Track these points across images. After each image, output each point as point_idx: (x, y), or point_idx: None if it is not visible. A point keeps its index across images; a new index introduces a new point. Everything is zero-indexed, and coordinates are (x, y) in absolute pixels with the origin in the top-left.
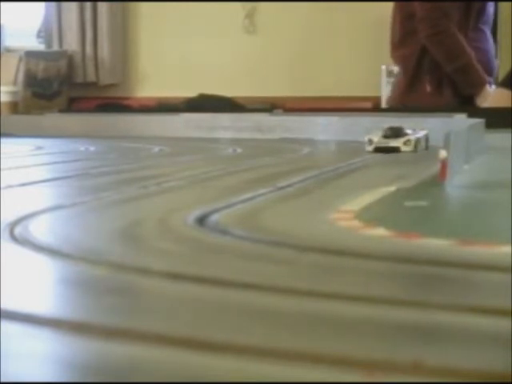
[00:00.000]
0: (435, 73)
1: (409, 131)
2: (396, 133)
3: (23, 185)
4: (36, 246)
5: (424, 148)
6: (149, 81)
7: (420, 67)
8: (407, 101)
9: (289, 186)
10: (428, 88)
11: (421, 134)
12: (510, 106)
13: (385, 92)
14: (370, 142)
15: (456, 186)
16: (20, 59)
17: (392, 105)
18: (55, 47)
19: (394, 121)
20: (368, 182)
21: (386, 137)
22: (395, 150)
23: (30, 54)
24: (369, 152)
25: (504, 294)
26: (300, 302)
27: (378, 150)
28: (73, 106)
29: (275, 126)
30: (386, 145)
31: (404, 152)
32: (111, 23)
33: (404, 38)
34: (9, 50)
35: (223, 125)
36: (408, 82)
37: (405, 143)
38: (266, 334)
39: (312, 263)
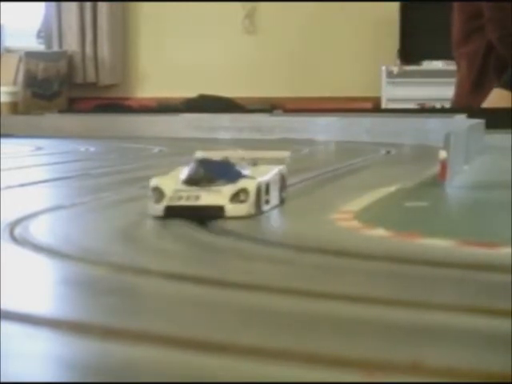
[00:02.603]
0: (502, 70)
1: (242, 170)
2: (215, 172)
3: (23, 185)
4: (36, 247)
5: (277, 202)
6: (149, 81)
7: (486, 65)
8: (474, 99)
9: (288, 186)
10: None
11: (271, 173)
12: (509, 106)
13: (385, 92)
14: (159, 194)
15: (456, 186)
16: (20, 59)
17: (457, 104)
18: (55, 47)
19: (394, 121)
20: (368, 182)
21: (192, 182)
22: (213, 212)
23: (30, 55)
24: (154, 217)
25: (504, 294)
26: (300, 302)
27: (173, 211)
28: (73, 106)
29: (275, 127)
30: (190, 202)
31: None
32: (111, 23)
33: (468, 35)
34: (9, 51)
35: (223, 125)
36: (474, 80)
37: (234, 197)
38: (265, 334)
39: (312, 263)
